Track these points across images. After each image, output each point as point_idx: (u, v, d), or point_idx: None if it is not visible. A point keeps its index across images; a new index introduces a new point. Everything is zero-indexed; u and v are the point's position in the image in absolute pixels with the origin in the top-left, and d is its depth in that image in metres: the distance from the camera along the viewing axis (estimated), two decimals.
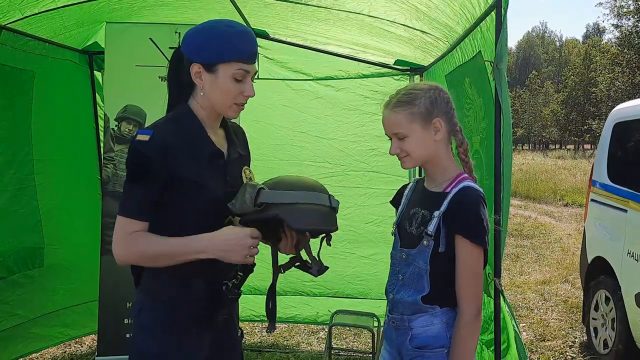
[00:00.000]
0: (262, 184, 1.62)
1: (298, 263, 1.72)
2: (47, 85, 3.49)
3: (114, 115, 3.38)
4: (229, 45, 1.56)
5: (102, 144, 3.77)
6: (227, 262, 1.56)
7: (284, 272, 1.71)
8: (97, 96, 3.94)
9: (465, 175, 1.70)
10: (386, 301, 1.84)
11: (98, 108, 3.94)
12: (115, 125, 3.38)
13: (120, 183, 3.35)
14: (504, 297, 2.54)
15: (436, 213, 1.63)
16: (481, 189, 1.66)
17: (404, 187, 1.93)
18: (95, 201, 3.72)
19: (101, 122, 3.86)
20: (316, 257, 1.67)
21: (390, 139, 1.72)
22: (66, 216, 3.69)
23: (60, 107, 3.67)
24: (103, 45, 3.53)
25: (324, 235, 1.68)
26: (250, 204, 1.55)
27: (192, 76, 1.60)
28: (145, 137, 1.52)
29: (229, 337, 1.80)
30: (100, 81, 3.88)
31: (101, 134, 3.84)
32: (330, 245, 1.68)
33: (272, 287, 1.73)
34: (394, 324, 1.75)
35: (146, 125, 1.62)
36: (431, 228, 1.63)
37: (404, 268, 1.72)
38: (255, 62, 1.63)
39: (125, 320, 3.38)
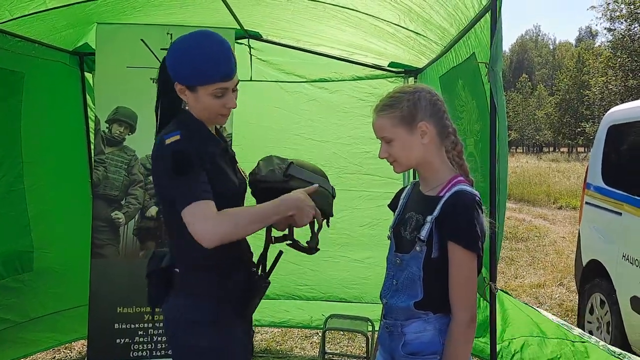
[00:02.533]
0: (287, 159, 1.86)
1: (290, 241, 1.91)
2: (37, 86, 3.45)
3: (104, 117, 3.34)
4: (205, 69, 1.65)
5: (92, 146, 3.72)
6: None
7: (274, 243, 1.91)
8: (88, 98, 3.89)
9: (461, 178, 1.66)
10: (380, 305, 1.81)
11: (89, 110, 3.90)
12: (106, 127, 3.34)
13: (111, 186, 3.32)
14: (510, 296, 2.52)
15: (429, 218, 1.60)
16: (477, 192, 1.62)
17: (402, 190, 1.90)
18: (85, 204, 3.67)
19: (92, 124, 3.81)
20: (315, 237, 1.88)
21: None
22: (56, 219, 3.64)
23: (50, 108, 3.62)
24: (94, 47, 3.49)
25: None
26: (279, 174, 1.79)
27: (177, 92, 1.71)
28: (176, 137, 1.62)
29: (251, 326, 1.96)
30: (91, 82, 3.84)
31: (92, 136, 3.79)
32: (329, 226, 1.91)
33: (264, 254, 1.90)
34: (387, 329, 1.72)
35: (171, 137, 1.66)
36: (424, 233, 1.59)
37: (398, 273, 1.69)
38: (233, 77, 1.71)
39: (116, 325, 3.34)
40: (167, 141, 1.61)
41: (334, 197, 1.90)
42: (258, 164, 1.86)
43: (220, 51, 1.68)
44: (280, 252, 1.88)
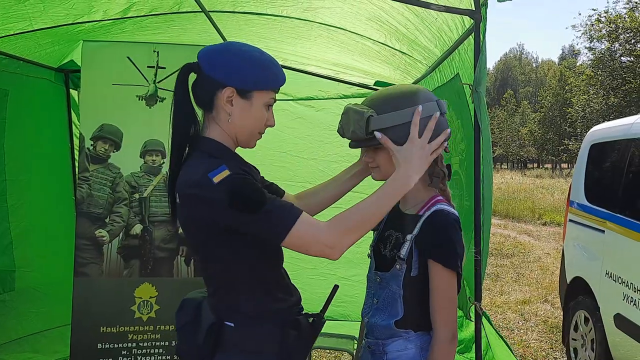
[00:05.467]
0: (365, 104, 1.60)
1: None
2: (22, 103, 3.42)
3: (89, 135, 3.32)
4: (267, 72, 1.52)
5: (77, 164, 3.69)
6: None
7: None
8: (73, 115, 3.87)
9: (440, 198, 1.67)
10: None
11: (74, 127, 3.87)
12: (91, 145, 3.31)
13: (95, 203, 3.28)
14: (488, 319, 2.52)
15: (409, 236, 1.60)
16: (456, 212, 1.63)
17: None
18: (69, 222, 3.63)
19: (76, 142, 3.78)
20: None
21: None
22: (39, 238, 3.59)
23: (35, 126, 3.59)
24: (79, 64, 3.48)
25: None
26: (361, 134, 1.55)
27: (222, 100, 1.49)
28: (225, 172, 1.39)
29: None
30: (77, 100, 3.82)
31: (76, 153, 3.76)
32: (448, 151, 1.69)
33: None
34: (369, 349, 1.73)
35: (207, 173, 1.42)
36: (403, 252, 1.60)
37: (378, 291, 1.69)
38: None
39: (99, 345, 3.28)
40: (216, 179, 1.37)
41: (443, 114, 1.62)
42: (341, 120, 1.64)
43: (275, 60, 1.56)
44: (336, 287, 1.72)
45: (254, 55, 1.52)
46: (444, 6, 2.18)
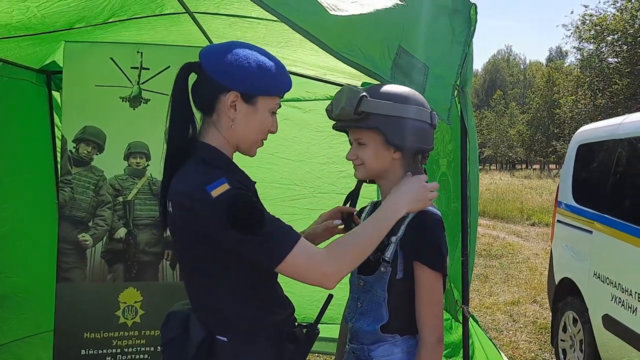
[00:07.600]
0: (363, 89, 1.57)
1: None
2: (2, 106, 3.35)
3: (72, 137, 3.26)
4: (274, 78, 1.45)
5: (59, 167, 3.63)
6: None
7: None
8: (56, 117, 3.80)
9: None
10: None
11: (56, 129, 3.80)
12: (73, 147, 3.25)
13: (78, 207, 3.21)
14: (476, 322, 2.50)
15: (393, 238, 1.58)
16: (439, 213, 1.61)
17: (362, 210, 1.89)
18: (52, 226, 3.56)
19: (59, 144, 3.72)
20: None
21: (351, 143, 1.67)
22: (20, 242, 3.52)
23: (16, 128, 3.52)
24: (61, 65, 3.42)
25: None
26: (350, 110, 1.53)
27: (226, 105, 1.42)
28: (224, 186, 1.31)
29: None
30: (59, 101, 3.75)
31: (59, 156, 3.70)
32: (425, 164, 1.70)
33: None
34: (354, 354, 1.69)
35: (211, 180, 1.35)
36: (388, 254, 1.57)
37: (362, 295, 1.67)
38: None
39: (82, 351, 3.22)
40: (214, 193, 1.30)
41: (433, 125, 1.62)
42: (333, 98, 1.62)
43: (282, 65, 1.48)
44: (330, 296, 1.67)
45: (261, 59, 1.44)
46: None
